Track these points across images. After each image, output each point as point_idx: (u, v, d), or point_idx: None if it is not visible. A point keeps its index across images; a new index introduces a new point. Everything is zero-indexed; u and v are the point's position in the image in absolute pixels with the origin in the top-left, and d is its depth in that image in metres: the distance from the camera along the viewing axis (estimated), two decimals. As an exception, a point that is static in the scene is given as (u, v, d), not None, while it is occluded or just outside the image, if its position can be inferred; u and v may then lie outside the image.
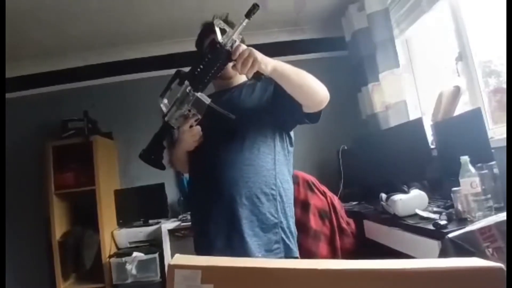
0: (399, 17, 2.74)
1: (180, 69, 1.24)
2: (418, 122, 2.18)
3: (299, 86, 1.23)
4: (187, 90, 1.19)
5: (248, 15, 1.12)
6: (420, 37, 2.80)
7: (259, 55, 1.13)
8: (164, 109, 1.23)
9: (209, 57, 1.16)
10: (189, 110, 1.21)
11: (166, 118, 1.25)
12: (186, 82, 1.19)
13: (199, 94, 1.19)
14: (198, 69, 1.16)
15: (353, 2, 2.89)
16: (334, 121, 3.19)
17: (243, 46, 1.13)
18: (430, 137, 2.15)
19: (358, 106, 3.11)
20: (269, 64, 1.15)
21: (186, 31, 2.98)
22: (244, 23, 1.13)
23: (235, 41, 1.14)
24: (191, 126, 1.25)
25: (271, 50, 3.15)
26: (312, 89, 1.25)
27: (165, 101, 1.23)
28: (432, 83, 2.65)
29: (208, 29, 1.41)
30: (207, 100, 1.20)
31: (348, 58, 3.13)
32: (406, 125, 2.40)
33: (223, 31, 1.15)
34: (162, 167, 1.36)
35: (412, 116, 2.60)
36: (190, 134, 1.27)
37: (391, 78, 2.67)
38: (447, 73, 2.36)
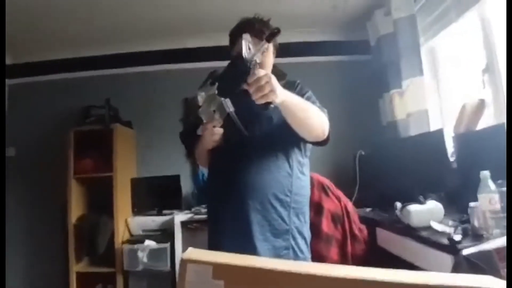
0: (426, 25, 2.69)
1: (215, 70, 1.26)
2: (439, 133, 2.14)
3: (299, 120, 1.25)
4: (215, 92, 1.19)
5: (269, 38, 1.12)
6: (446, 46, 2.74)
7: (276, 85, 1.10)
8: (200, 100, 1.24)
9: (234, 69, 1.16)
10: (214, 111, 1.23)
11: (199, 110, 1.26)
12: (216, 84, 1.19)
13: (223, 100, 1.19)
14: (224, 79, 1.18)
15: (379, 7, 2.86)
16: (353, 126, 3.18)
17: (262, 71, 1.10)
18: (450, 149, 2.11)
19: (379, 112, 3.08)
20: (280, 95, 1.13)
21: (210, 26, 3.02)
22: (266, 46, 1.13)
23: (255, 61, 1.11)
24: (214, 126, 1.26)
25: (295, 49, 3.19)
26: (310, 126, 1.28)
27: (203, 93, 1.24)
28: (456, 93, 2.60)
29: (245, 26, 1.39)
30: (229, 109, 1.19)
31: (371, 62, 3.10)
32: (427, 135, 2.37)
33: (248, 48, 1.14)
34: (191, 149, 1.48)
35: (433, 126, 2.55)
36: (210, 134, 1.28)
37: (414, 86, 2.63)
38: (472, 85, 2.31)
